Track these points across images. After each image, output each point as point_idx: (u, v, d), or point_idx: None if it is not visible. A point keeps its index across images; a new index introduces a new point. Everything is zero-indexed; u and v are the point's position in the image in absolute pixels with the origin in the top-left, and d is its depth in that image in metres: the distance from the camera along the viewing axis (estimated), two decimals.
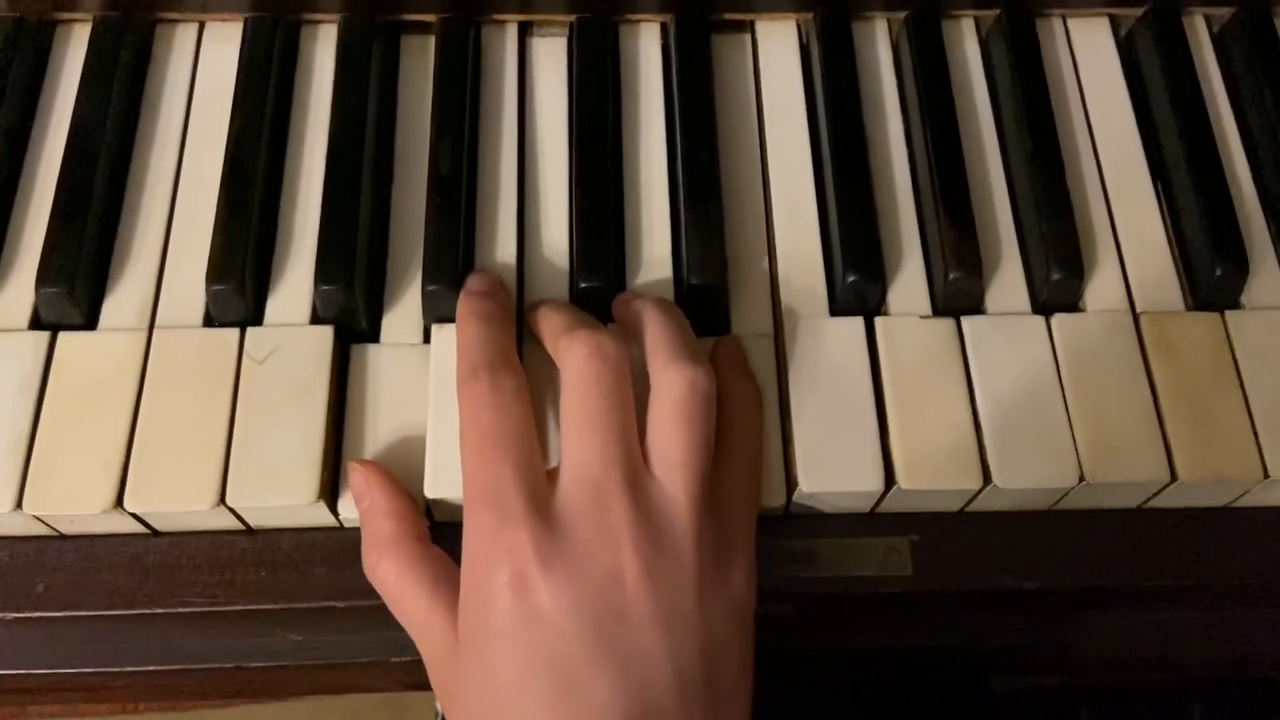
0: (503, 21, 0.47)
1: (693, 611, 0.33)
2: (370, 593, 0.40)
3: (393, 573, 0.36)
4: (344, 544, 0.40)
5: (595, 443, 0.34)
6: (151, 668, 0.41)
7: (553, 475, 0.35)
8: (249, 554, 0.40)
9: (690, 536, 0.34)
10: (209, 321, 0.41)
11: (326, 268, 0.40)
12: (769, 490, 0.38)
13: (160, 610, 0.39)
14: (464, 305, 0.39)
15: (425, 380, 0.39)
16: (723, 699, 0.33)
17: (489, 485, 0.34)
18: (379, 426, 0.39)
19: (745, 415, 0.38)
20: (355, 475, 0.38)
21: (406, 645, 0.42)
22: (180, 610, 0.39)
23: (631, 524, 0.33)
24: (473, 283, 0.40)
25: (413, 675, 0.44)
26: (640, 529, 0.33)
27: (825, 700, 0.52)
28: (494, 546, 0.33)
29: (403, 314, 0.41)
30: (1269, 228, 0.43)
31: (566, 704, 0.32)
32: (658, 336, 0.37)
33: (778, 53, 0.47)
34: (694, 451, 0.34)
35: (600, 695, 0.32)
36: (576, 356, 0.35)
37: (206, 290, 0.40)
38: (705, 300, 0.41)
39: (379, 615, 0.41)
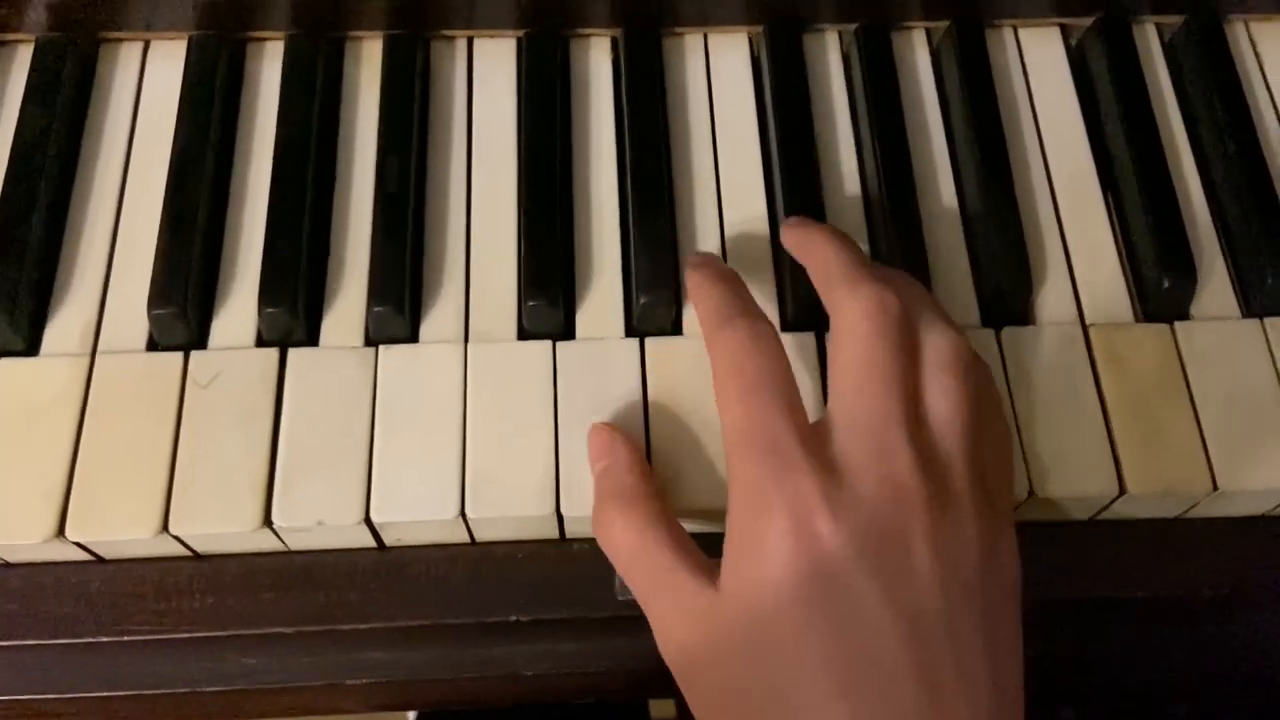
0: (451, 37, 0.47)
1: (974, 580, 0.32)
2: (319, 619, 0.40)
3: (635, 527, 0.35)
4: (291, 568, 0.40)
5: (877, 393, 0.33)
6: (103, 694, 0.41)
7: (816, 426, 0.34)
8: (196, 580, 0.39)
9: (969, 499, 0.33)
10: (153, 346, 0.40)
11: (270, 290, 0.40)
12: None
13: (107, 639, 0.39)
14: (694, 275, 0.39)
15: (367, 387, 0.39)
16: (1002, 677, 0.32)
17: (760, 432, 0.33)
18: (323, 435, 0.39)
19: (989, 390, 0.37)
20: (599, 432, 0.38)
21: (362, 667, 0.42)
22: (127, 639, 0.39)
23: (919, 479, 0.32)
24: (693, 259, 0.40)
25: (369, 697, 0.44)
26: (927, 485, 0.32)
27: None
28: (773, 493, 0.32)
29: (342, 322, 0.41)
30: (1219, 238, 0.43)
31: (850, 659, 0.31)
32: (911, 297, 0.36)
33: (729, 65, 0.47)
34: (965, 409, 0.34)
35: (888, 654, 0.30)
36: (860, 307, 0.34)
37: (148, 314, 0.39)
38: (654, 314, 0.41)
39: (330, 639, 0.41)
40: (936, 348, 0.34)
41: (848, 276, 0.36)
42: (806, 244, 0.39)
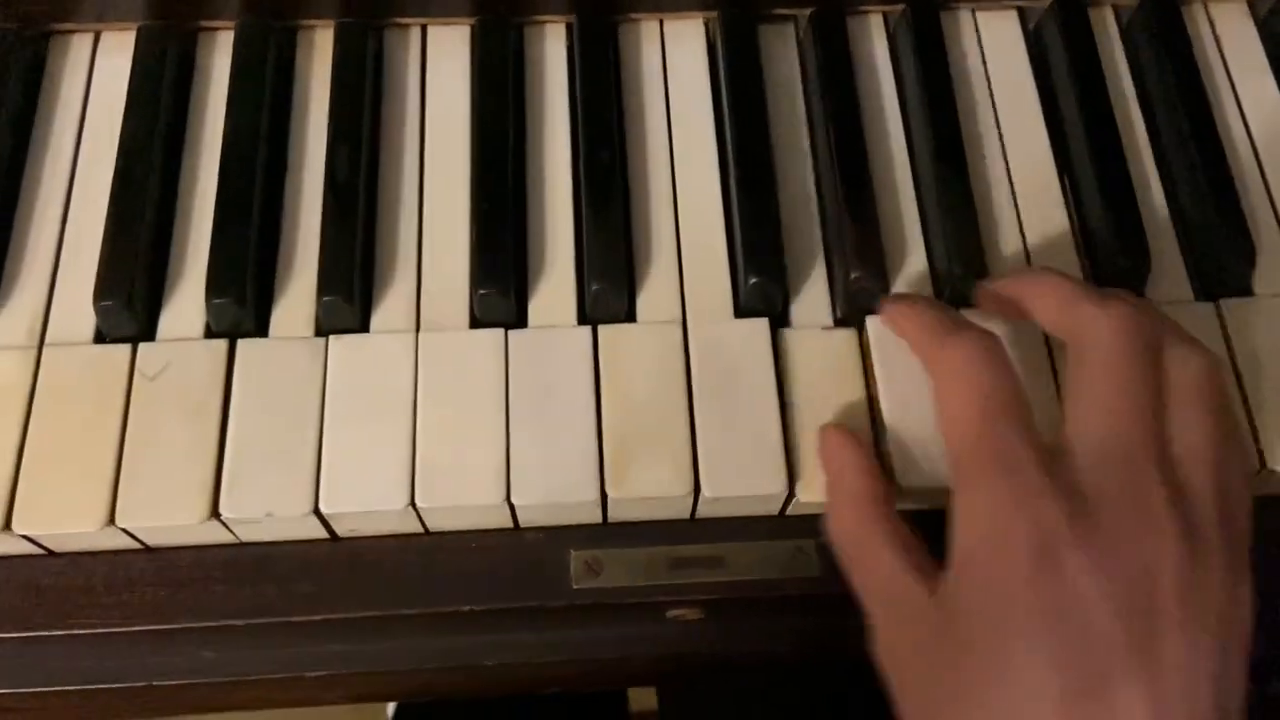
0: (405, 25, 0.46)
1: (1215, 625, 0.30)
2: (272, 611, 0.39)
3: (867, 528, 0.35)
4: (243, 560, 0.39)
5: (1128, 416, 0.32)
6: (55, 689, 0.41)
7: (1054, 447, 0.33)
8: (147, 573, 0.39)
9: (1217, 538, 0.31)
10: (100, 338, 0.40)
11: (217, 280, 0.39)
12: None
13: (58, 632, 0.39)
14: (896, 305, 0.38)
15: (316, 378, 0.39)
16: (1230, 716, 0.30)
17: (999, 450, 0.32)
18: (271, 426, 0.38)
19: (1235, 419, 0.36)
20: (832, 435, 0.37)
21: (321, 660, 0.42)
22: (78, 632, 0.39)
23: (1170, 514, 0.30)
24: (891, 297, 0.40)
25: (330, 689, 0.44)
26: (1178, 521, 0.30)
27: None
28: (1015, 516, 0.31)
29: (293, 312, 0.41)
30: (1172, 220, 0.43)
31: (1082, 699, 0.29)
32: (1154, 319, 0.34)
33: (685, 52, 0.46)
34: (1216, 442, 0.32)
35: (1122, 697, 0.29)
36: (1111, 324, 0.33)
37: (94, 306, 0.39)
38: (607, 302, 0.40)
39: (285, 630, 0.40)
40: (1187, 375, 0.33)
41: (1092, 295, 0.34)
42: (1023, 287, 0.37)
